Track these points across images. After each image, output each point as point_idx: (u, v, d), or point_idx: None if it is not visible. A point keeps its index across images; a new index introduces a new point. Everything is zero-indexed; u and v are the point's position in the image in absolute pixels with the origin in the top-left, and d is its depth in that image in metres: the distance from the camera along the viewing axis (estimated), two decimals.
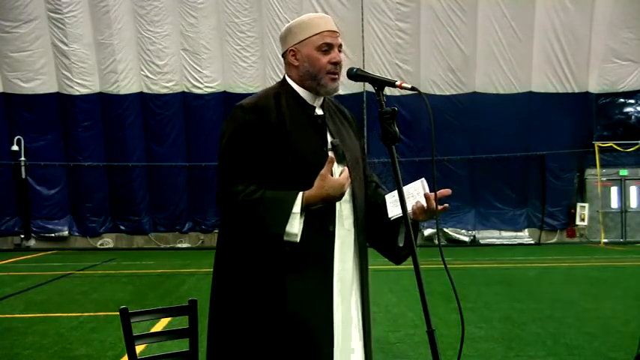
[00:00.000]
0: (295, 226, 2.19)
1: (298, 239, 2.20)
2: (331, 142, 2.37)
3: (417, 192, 2.38)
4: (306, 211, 2.24)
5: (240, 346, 2.29)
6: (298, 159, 2.29)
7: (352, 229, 2.39)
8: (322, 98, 2.46)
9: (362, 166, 2.52)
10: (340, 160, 2.37)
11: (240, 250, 2.30)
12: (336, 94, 2.45)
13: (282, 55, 2.47)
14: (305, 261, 2.26)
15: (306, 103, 2.42)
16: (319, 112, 2.44)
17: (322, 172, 2.20)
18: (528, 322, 7.38)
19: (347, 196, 2.37)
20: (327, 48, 2.37)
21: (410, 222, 2.22)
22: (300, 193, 2.20)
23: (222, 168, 2.32)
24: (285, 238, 2.19)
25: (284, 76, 2.48)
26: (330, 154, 2.29)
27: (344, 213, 2.37)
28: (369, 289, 2.46)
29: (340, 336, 2.31)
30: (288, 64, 2.45)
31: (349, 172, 2.37)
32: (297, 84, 2.43)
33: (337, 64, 2.38)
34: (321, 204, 2.24)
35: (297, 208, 2.18)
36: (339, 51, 2.41)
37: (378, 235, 2.50)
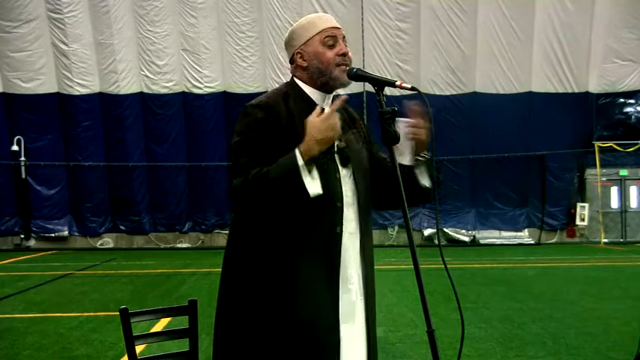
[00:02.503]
0: (307, 176, 2.19)
1: (319, 189, 2.21)
2: (337, 145, 2.36)
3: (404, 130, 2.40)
4: (313, 213, 2.25)
5: (247, 346, 2.30)
6: None
7: (356, 232, 2.38)
8: (331, 99, 2.45)
9: (369, 170, 2.49)
10: (345, 163, 2.37)
11: (252, 250, 2.31)
12: (341, 89, 2.45)
13: (290, 61, 2.46)
14: (314, 263, 2.27)
15: (315, 105, 2.40)
16: None
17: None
18: (528, 322, 7.39)
19: (351, 200, 2.38)
20: (332, 42, 2.38)
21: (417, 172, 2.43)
22: (296, 149, 2.20)
23: (236, 159, 2.30)
24: (311, 192, 2.19)
25: (292, 78, 2.47)
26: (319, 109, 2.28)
27: (348, 216, 2.36)
28: (375, 292, 2.44)
29: (345, 337, 2.31)
30: (296, 67, 2.44)
31: (354, 176, 2.38)
32: (307, 84, 2.42)
33: (345, 55, 2.38)
34: (320, 147, 2.21)
35: (300, 161, 2.18)
36: (345, 45, 2.41)
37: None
